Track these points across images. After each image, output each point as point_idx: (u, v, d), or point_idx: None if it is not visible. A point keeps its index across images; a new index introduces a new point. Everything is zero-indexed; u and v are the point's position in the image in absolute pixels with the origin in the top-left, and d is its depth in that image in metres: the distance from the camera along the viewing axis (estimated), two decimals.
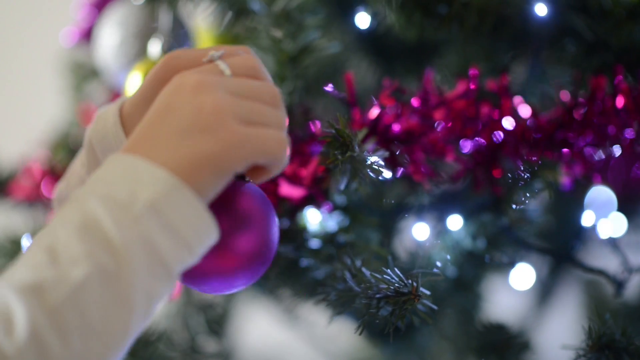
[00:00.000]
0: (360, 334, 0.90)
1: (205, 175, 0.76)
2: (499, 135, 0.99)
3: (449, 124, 0.98)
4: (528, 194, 1.02)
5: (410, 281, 0.87)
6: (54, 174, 1.42)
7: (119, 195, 0.74)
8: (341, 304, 0.90)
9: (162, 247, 0.74)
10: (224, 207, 0.83)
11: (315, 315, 1.57)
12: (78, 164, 0.95)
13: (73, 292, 0.70)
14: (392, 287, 0.87)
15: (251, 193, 0.85)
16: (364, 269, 0.91)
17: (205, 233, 0.77)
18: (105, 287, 0.71)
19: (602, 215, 1.06)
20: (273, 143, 0.79)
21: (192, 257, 0.76)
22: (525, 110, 1.01)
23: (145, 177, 0.75)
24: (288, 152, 0.81)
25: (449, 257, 1.07)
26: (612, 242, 1.07)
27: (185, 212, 0.75)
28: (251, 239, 0.83)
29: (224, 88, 0.79)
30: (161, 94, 0.81)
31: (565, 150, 0.99)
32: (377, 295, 0.87)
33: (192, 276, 0.84)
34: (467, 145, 1.00)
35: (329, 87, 0.99)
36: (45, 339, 0.68)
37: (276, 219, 0.87)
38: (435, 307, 0.88)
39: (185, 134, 0.77)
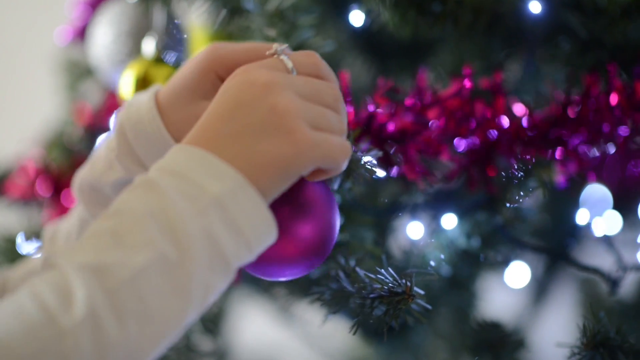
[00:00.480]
0: (354, 333, 0.90)
1: (272, 177, 0.77)
2: (493, 133, 0.99)
3: (443, 123, 0.98)
4: (522, 193, 1.02)
5: (404, 281, 0.87)
6: (49, 172, 1.42)
7: (186, 187, 0.75)
8: (335, 304, 0.90)
9: (223, 242, 0.74)
10: (289, 195, 0.82)
11: (310, 314, 1.57)
12: (104, 149, 0.95)
13: (134, 276, 0.71)
14: (385, 287, 0.87)
15: (316, 184, 0.85)
16: (358, 269, 0.91)
17: (265, 234, 0.77)
18: (166, 275, 0.72)
19: (597, 213, 1.06)
20: (338, 150, 0.79)
21: (251, 255, 0.77)
22: (519, 109, 1.01)
23: (213, 172, 0.76)
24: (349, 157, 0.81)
25: (443, 256, 1.07)
26: (607, 240, 1.06)
27: (248, 211, 0.75)
28: (313, 228, 0.84)
29: (293, 88, 0.79)
30: (228, 87, 0.81)
31: (559, 148, 0.99)
32: (371, 295, 0.87)
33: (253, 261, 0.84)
34: (461, 144, 1.00)
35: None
36: (102, 318, 0.69)
37: (337, 211, 0.87)
38: (429, 306, 0.88)
39: (256, 133, 0.77)
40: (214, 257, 0.74)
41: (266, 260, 0.83)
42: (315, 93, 0.81)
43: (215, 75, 0.89)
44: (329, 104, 0.81)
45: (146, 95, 0.92)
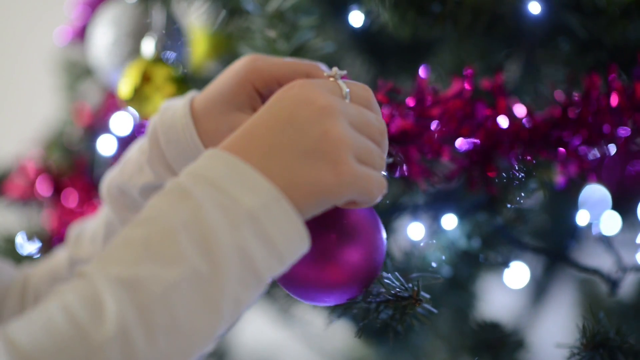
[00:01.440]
0: (360, 337, 0.90)
1: (308, 200, 0.77)
2: (494, 134, 0.99)
3: (444, 124, 0.98)
4: (523, 194, 1.02)
5: (410, 285, 0.87)
6: (48, 172, 1.42)
7: (220, 199, 0.74)
8: (341, 308, 0.90)
9: (256, 256, 0.74)
10: (335, 221, 0.83)
11: (310, 315, 1.57)
12: (136, 152, 0.95)
13: (165, 292, 0.71)
14: (392, 292, 0.86)
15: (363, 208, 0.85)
16: None
17: (298, 246, 0.77)
18: (197, 290, 0.72)
19: (596, 214, 1.06)
20: (376, 186, 0.79)
21: (282, 267, 0.77)
22: (519, 110, 1.01)
23: (248, 184, 0.75)
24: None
25: (443, 257, 1.07)
26: (606, 241, 1.06)
27: (282, 224, 0.75)
28: (361, 253, 0.84)
29: (347, 117, 0.79)
30: (282, 98, 0.80)
31: (559, 149, 0.99)
32: (377, 300, 0.87)
33: (293, 283, 0.84)
34: (462, 145, 1.00)
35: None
36: (132, 334, 0.69)
37: (383, 234, 0.87)
38: (435, 310, 0.87)
39: (303, 154, 0.77)
40: (246, 272, 0.74)
41: (314, 285, 0.83)
42: (365, 125, 0.81)
43: (252, 87, 0.89)
44: (375, 138, 0.81)
45: (182, 102, 0.92)
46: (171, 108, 0.92)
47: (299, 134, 0.77)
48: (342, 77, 0.86)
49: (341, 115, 0.78)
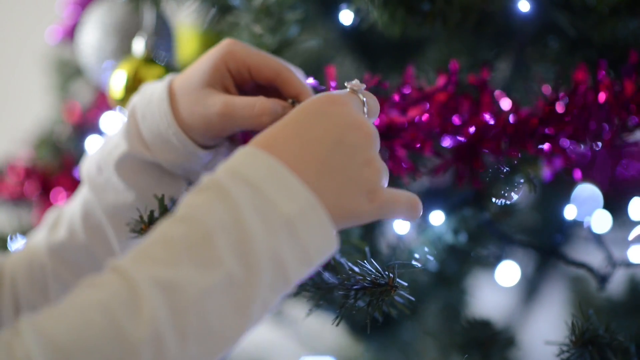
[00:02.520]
0: (337, 324, 0.90)
1: (344, 221, 0.80)
2: (479, 129, 0.99)
3: (429, 119, 0.98)
4: (509, 188, 1.02)
5: (387, 273, 0.87)
6: (38, 172, 1.42)
7: (259, 203, 0.75)
8: (319, 296, 0.90)
9: (289, 263, 0.75)
10: None
11: (300, 313, 1.57)
12: (116, 132, 0.97)
13: (200, 296, 0.71)
14: (369, 279, 0.87)
15: None
16: (342, 261, 0.91)
17: (328, 253, 0.79)
18: (230, 295, 0.72)
19: (587, 213, 1.06)
20: (406, 207, 0.83)
21: (308, 273, 0.78)
22: (506, 104, 1.01)
23: (288, 189, 0.76)
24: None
25: (428, 250, 1.07)
26: (597, 239, 1.07)
27: (316, 232, 0.77)
28: None
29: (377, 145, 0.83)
30: (327, 114, 0.82)
31: (545, 144, 0.99)
32: (355, 287, 0.87)
33: None
34: (447, 140, 1.00)
35: (310, 80, 0.99)
36: (165, 338, 0.69)
37: None
38: (413, 298, 0.88)
39: (350, 181, 0.80)
40: (277, 277, 0.75)
41: None
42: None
43: (225, 68, 0.92)
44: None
45: (162, 81, 0.95)
46: (151, 87, 0.95)
47: (347, 158, 0.80)
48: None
49: (377, 144, 0.83)
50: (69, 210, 1.02)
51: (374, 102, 0.87)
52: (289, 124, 0.81)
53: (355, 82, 0.87)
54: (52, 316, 0.69)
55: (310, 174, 0.78)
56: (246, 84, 0.94)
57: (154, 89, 0.94)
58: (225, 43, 0.92)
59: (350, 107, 0.83)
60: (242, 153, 0.79)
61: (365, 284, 0.87)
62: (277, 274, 0.75)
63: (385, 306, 0.87)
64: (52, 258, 1.00)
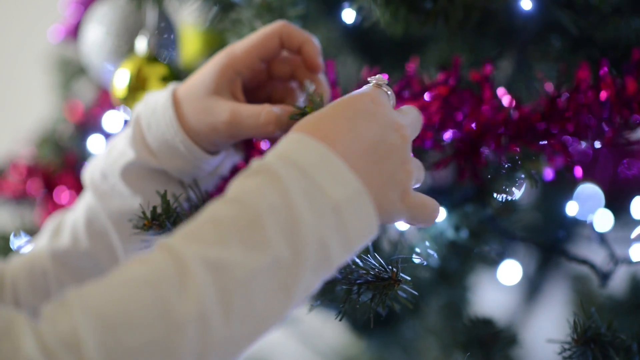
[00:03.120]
0: (340, 319, 0.90)
1: (380, 217, 0.82)
2: (481, 124, 0.99)
3: (431, 113, 0.98)
4: (510, 184, 1.02)
5: (390, 267, 0.87)
6: (41, 170, 1.42)
7: (309, 187, 0.76)
8: (322, 291, 0.90)
9: (333, 248, 0.76)
10: None
11: (302, 310, 1.57)
12: (120, 138, 0.98)
13: (248, 277, 0.72)
14: (372, 273, 0.87)
15: None
16: None
17: (368, 240, 0.80)
18: (276, 277, 0.73)
19: (589, 212, 1.06)
20: (430, 213, 0.86)
21: (349, 258, 0.79)
22: (507, 101, 1.01)
23: (336, 175, 0.78)
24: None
25: (429, 245, 1.07)
26: (599, 237, 1.07)
27: (361, 219, 0.78)
28: None
29: None
30: (369, 112, 0.83)
31: (547, 141, 0.99)
32: (358, 281, 0.87)
33: None
34: (449, 135, 1.00)
35: None
36: (211, 317, 0.70)
37: None
38: (416, 292, 0.88)
39: (388, 180, 0.82)
40: (321, 262, 0.76)
41: None
42: None
43: (232, 72, 0.93)
44: None
45: (166, 90, 0.95)
46: (155, 96, 0.96)
47: (387, 157, 0.82)
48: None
49: (411, 145, 0.85)
50: (71, 217, 1.02)
51: (393, 94, 0.89)
52: (339, 119, 0.82)
53: (379, 76, 0.88)
54: (99, 290, 0.70)
55: (358, 166, 0.79)
56: (258, 78, 0.96)
57: (157, 98, 0.95)
58: (226, 50, 0.94)
59: (389, 107, 0.85)
60: (292, 139, 0.80)
61: (368, 278, 0.87)
62: (321, 258, 0.75)
63: (388, 300, 0.87)
64: (55, 264, 1.00)
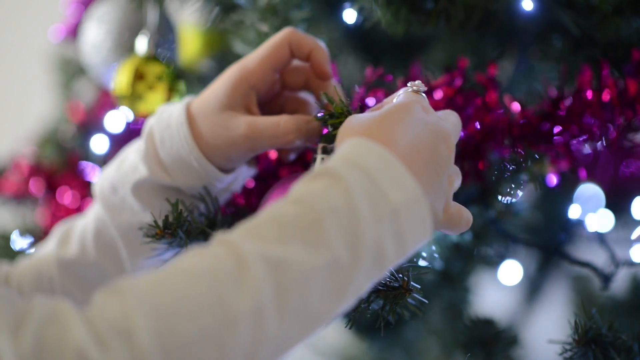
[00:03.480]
0: (350, 328, 0.90)
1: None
2: (485, 126, 0.99)
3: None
4: (514, 186, 1.02)
5: (400, 275, 0.87)
6: (42, 170, 1.42)
7: (371, 189, 0.76)
8: None
9: (388, 252, 0.76)
10: None
11: None
12: (132, 152, 0.97)
13: (305, 277, 0.71)
14: (382, 281, 0.87)
15: None
16: None
17: (420, 245, 0.80)
18: (332, 278, 0.73)
19: (590, 212, 1.06)
20: (464, 223, 0.86)
21: (401, 262, 0.79)
22: (511, 103, 1.01)
23: (397, 178, 0.77)
24: None
25: (434, 248, 1.07)
26: (600, 238, 1.07)
27: (417, 225, 0.78)
28: None
29: None
30: (425, 122, 0.83)
31: (551, 143, 0.99)
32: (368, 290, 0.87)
33: None
34: None
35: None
36: (266, 314, 0.70)
37: None
38: (425, 300, 0.88)
39: (439, 190, 0.82)
40: (375, 266, 0.75)
41: None
42: None
43: (247, 86, 0.92)
44: None
45: (179, 104, 0.95)
46: (168, 110, 0.95)
47: (438, 167, 0.82)
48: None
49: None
50: (80, 226, 1.02)
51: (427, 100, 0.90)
52: (395, 124, 0.82)
53: (418, 82, 0.88)
54: (154, 279, 0.70)
55: (417, 173, 0.79)
56: (271, 89, 0.96)
57: (171, 112, 0.94)
58: (239, 64, 0.94)
59: (436, 115, 0.85)
60: (354, 143, 0.80)
61: (378, 287, 0.87)
62: (376, 261, 0.75)
63: (398, 308, 0.87)
64: (62, 272, 1.00)
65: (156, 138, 0.94)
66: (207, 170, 0.93)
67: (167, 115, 0.94)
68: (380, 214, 0.75)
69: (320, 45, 0.94)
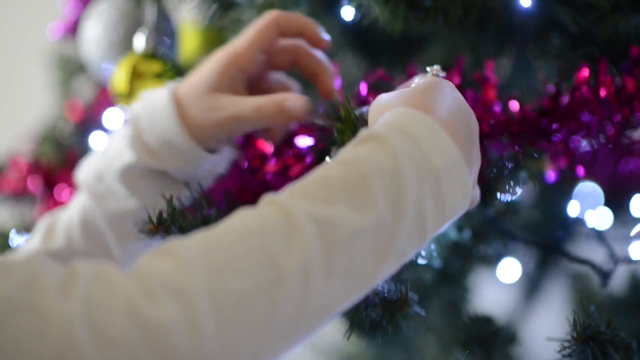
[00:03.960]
0: (348, 338, 0.90)
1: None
2: (483, 124, 0.99)
3: None
4: (513, 184, 1.02)
5: (400, 286, 0.87)
6: (41, 168, 1.42)
7: (414, 152, 0.77)
8: None
9: (429, 215, 0.77)
10: None
11: None
12: (117, 138, 0.98)
13: (351, 235, 0.72)
14: (380, 297, 0.87)
15: None
16: None
17: (460, 212, 0.81)
18: (376, 238, 0.74)
19: (589, 209, 1.06)
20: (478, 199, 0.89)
21: (439, 231, 0.80)
22: (509, 100, 1.01)
23: (439, 143, 0.78)
24: None
25: (434, 247, 1.07)
26: (599, 235, 1.07)
27: (456, 189, 0.79)
28: None
29: None
30: (456, 99, 0.85)
31: (549, 140, 0.99)
32: (365, 304, 0.87)
33: None
34: None
35: None
36: (313, 271, 0.70)
37: None
38: (423, 313, 0.88)
39: (474, 163, 0.84)
40: (417, 227, 0.76)
41: None
42: None
43: (236, 69, 0.94)
44: None
45: (164, 89, 0.96)
46: (153, 95, 0.96)
47: (473, 141, 0.84)
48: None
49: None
50: (64, 218, 1.02)
51: None
52: (433, 96, 0.83)
53: (437, 67, 0.90)
54: (205, 238, 0.71)
55: (457, 141, 0.80)
56: (259, 71, 0.97)
57: (156, 97, 0.95)
58: (228, 48, 0.95)
59: (460, 96, 0.86)
60: (396, 112, 0.81)
61: (376, 301, 0.87)
62: (417, 224, 0.76)
63: (397, 319, 0.87)
64: None
65: (142, 123, 0.95)
66: (194, 151, 0.94)
67: (152, 100, 0.96)
68: (422, 177, 0.76)
69: (308, 19, 0.96)
